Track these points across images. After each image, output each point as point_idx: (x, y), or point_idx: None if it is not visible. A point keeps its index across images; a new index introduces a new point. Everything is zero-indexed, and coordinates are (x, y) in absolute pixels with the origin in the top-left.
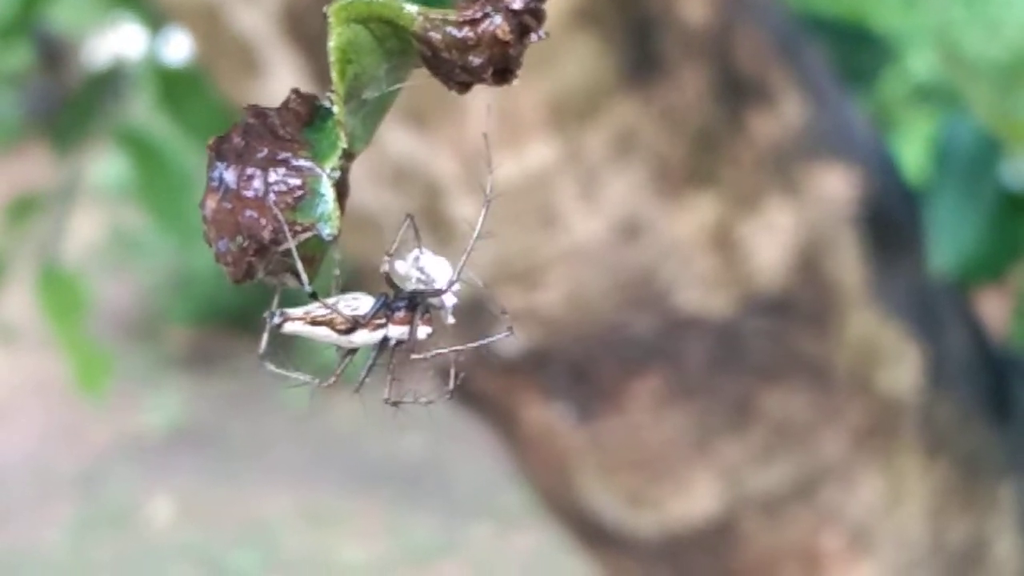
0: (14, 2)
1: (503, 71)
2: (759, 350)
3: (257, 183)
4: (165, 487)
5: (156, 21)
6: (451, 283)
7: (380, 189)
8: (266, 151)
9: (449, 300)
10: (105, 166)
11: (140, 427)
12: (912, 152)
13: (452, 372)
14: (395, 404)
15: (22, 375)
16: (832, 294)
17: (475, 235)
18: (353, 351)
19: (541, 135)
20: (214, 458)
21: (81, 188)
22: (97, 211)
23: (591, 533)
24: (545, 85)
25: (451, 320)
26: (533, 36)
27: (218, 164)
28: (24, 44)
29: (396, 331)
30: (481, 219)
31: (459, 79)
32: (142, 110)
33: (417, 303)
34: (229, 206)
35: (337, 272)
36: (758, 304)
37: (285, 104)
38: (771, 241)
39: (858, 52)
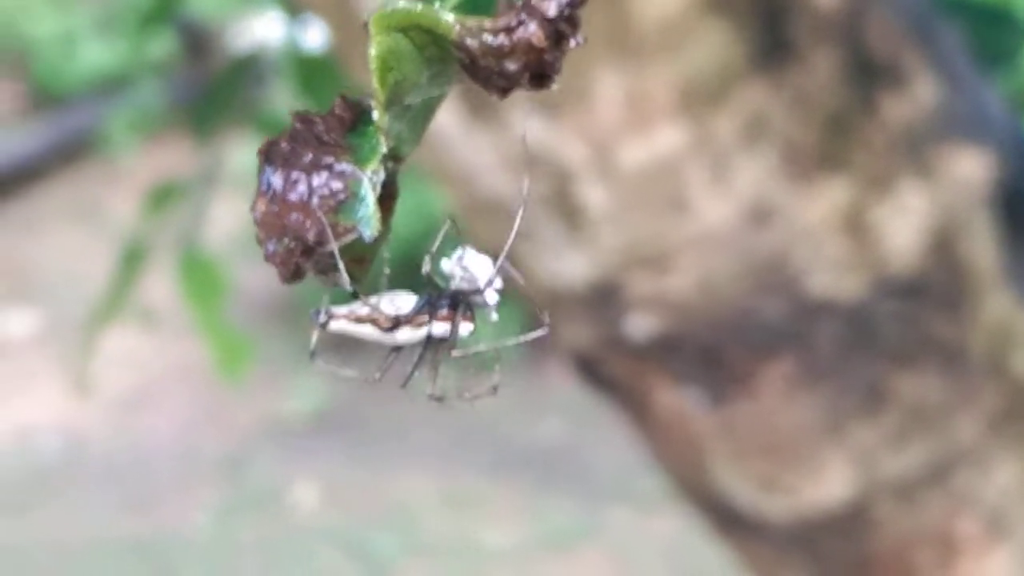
0: None
1: (540, 76)
2: (892, 334)
3: (302, 187)
4: (308, 471)
5: (295, 7)
6: (490, 281)
7: (511, 176)
8: (311, 156)
9: (491, 297)
10: (247, 154)
11: (284, 412)
12: None
13: (496, 367)
14: (439, 399)
15: (167, 360)
16: (966, 277)
17: (512, 234)
18: (399, 348)
19: (671, 120)
20: (356, 443)
21: (223, 175)
22: (239, 199)
23: (724, 518)
24: (675, 69)
25: (495, 317)
26: (571, 42)
27: (267, 168)
28: (167, 33)
29: (439, 328)
30: (518, 219)
31: (497, 85)
32: (283, 97)
33: (459, 301)
34: (276, 209)
35: (387, 271)
36: (891, 287)
37: (331, 110)
38: (904, 224)
39: (996, 33)
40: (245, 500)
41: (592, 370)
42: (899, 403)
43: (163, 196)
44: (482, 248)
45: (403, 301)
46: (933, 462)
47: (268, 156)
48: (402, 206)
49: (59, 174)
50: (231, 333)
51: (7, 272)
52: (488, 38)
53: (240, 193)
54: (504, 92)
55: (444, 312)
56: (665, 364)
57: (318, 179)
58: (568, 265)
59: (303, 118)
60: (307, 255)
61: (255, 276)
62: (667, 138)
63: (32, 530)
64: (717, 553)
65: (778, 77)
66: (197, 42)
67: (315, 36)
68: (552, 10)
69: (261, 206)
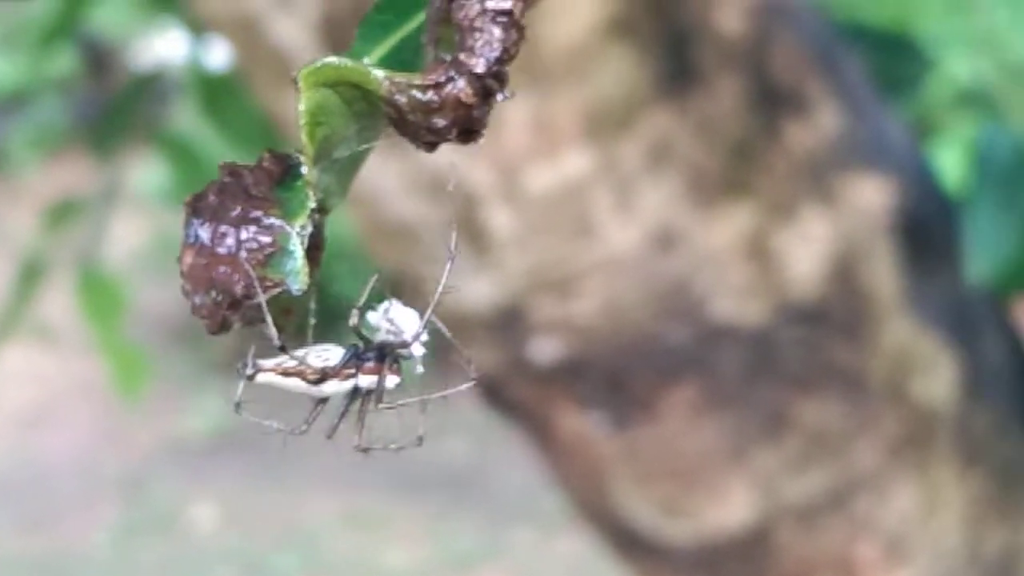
0: (57, 5)
1: (468, 131)
2: (794, 359)
3: (230, 240)
4: (209, 491)
5: (199, 26)
6: (417, 335)
7: (417, 200)
8: (239, 209)
9: (418, 351)
10: (149, 171)
11: (184, 431)
12: (953, 157)
13: (421, 420)
14: (365, 451)
15: (67, 378)
16: (867, 303)
17: (439, 289)
18: (325, 400)
19: (577, 145)
20: (257, 462)
21: (123, 193)
22: (141, 217)
23: (627, 541)
24: (581, 95)
25: (420, 370)
26: (498, 97)
27: (194, 221)
28: (69, 49)
29: (366, 380)
30: (446, 273)
31: (425, 139)
32: (185, 116)
33: (386, 354)
34: (204, 262)
35: (313, 321)
36: (793, 313)
37: (259, 163)
38: (806, 251)
39: (898, 60)
40: (144, 520)
41: (496, 393)
42: (801, 428)
43: (63, 213)
44: (393, 278)
45: (330, 354)
46: (834, 487)
47: (195, 209)
48: None
49: None
50: (130, 351)
51: None
52: (417, 94)
53: (141, 211)
54: (432, 147)
55: (371, 365)
56: (569, 388)
57: (246, 232)
58: (474, 288)
59: (232, 170)
60: (234, 308)
61: (155, 294)
62: (573, 163)
63: None
64: (620, 575)
65: (683, 103)
66: (99, 59)
67: (218, 55)
68: (481, 67)
69: (188, 259)
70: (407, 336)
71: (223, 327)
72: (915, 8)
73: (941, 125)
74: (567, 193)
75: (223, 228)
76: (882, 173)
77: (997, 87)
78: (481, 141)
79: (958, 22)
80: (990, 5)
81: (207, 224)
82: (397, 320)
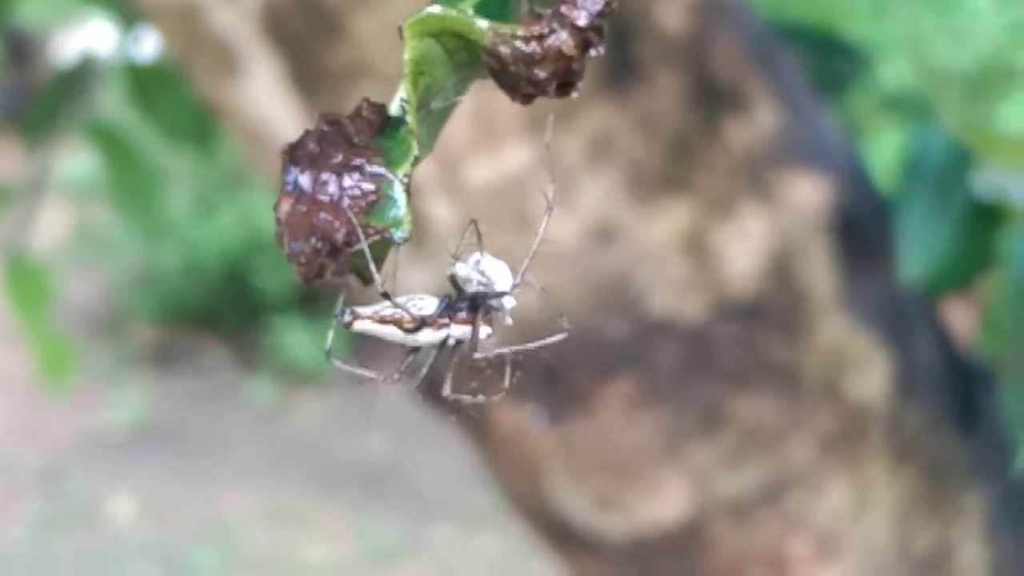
0: None
1: (566, 84)
2: (730, 355)
3: (332, 187)
4: (127, 485)
5: (126, 17)
6: (513, 286)
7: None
8: (341, 157)
9: (509, 303)
10: (74, 161)
11: (103, 424)
12: (881, 161)
13: (508, 371)
14: (455, 400)
15: None
16: (803, 301)
17: (537, 241)
18: (416, 349)
19: (517, 139)
20: (177, 456)
21: (49, 183)
22: (65, 207)
23: (560, 535)
24: None
25: (509, 321)
26: (593, 51)
27: (293, 168)
28: None
29: (458, 331)
30: (543, 226)
31: (524, 91)
32: (112, 106)
33: (478, 305)
34: (304, 209)
35: (396, 272)
36: (730, 310)
37: (358, 112)
38: (743, 247)
39: (831, 61)
40: (63, 513)
41: (429, 386)
42: (735, 424)
43: None
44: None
45: (424, 303)
46: (767, 483)
47: (293, 156)
48: (227, 219)
49: None
50: (57, 341)
51: None
52: (520, 45)
53: (67, 200)
54: (529, 99)
55: (463, 315)
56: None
57: (349, 180)
58: (413, 280)
59: (331, 119)
60: (334, 255)
61: (76, 286)
62: (513, 156)
63: None
64: (541, 570)
65: (623, 98)
66: (21, 49)
67: (146, 46)
68: (583, 19)
69: (286, 206)
70: (498, 287)
71: (319, 274)
72: (840, 12)
73: (869, 129)
74: (507, 186)
75: (324, 175)
76: (819, 171)
77: (927, 91)
78: (575, 95)
79: (883, 28)
80: (915, 12)
81: (307, 171)
82: (488, 272)
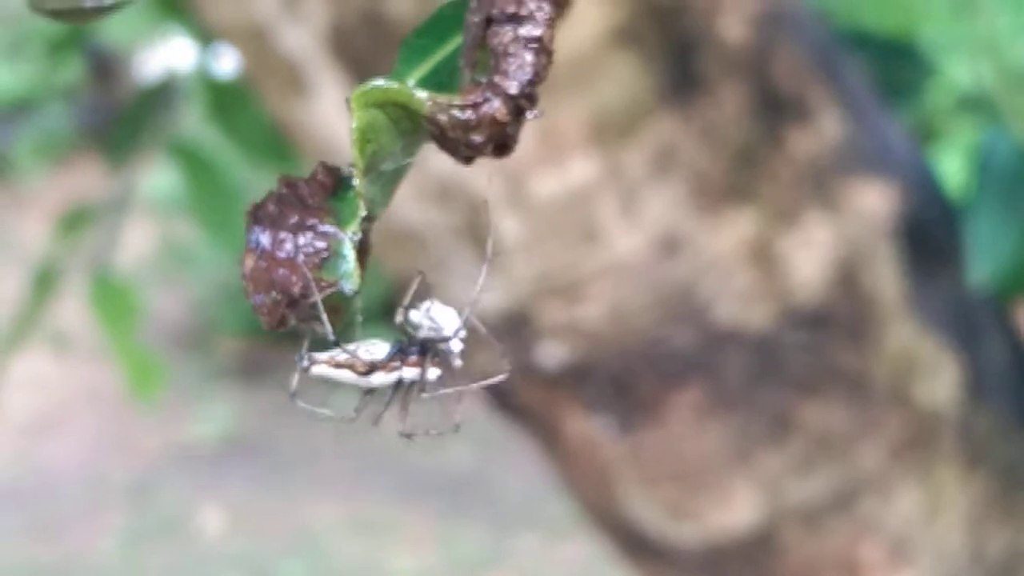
0: None
1: (502, 146)
2: (798, 363)
3: (288, 245)
4: (215, 497)
5: (206, 35)
6: (457, 331)
7: (425, 206)
8: (296, 217)
9: (456, 346)
10: (157, 179)
11: (191, 437)
12: (955, 163)
13: (456, 408)
14: (408, 436)
15: (75, 385)
16: (870, 307)
17: (478, 289)
18: (372, 390)
19: (582, 152)
20: (264, 468)
21: (133, 200)
22: (149, 223)
23: (633, 544)
24: (586, 103)
25: (458, 363)
26: (529, 115)
27: (255, 228)
28: (75, 58)
29: (409, 373)
30: (483, 276)
31: (464, 154)
32: (193, 123)
33: (427, 348)
34: (264, 265)
35: (360, 318)
36: (797, 318)
37: (313, 176)
38: (809, 256)
39: (900, 67)
40: (151, 526)
41: (504, 398)
42: (805, 431)
43: (76, 220)
44: (403, 283)
45: (377, 348)
46: (838, 489)
47: (256, 217)
48: None
49: None
50: (144, 356)
51: None
52: (456, 113)
53: (151, 217)
54: (469, 160)
55: (414, 358)
56: (575, 392)
57: (304, 238)
58: (481, 294)
59: (288, 182)
60: (292, 306)
61: (163, 301)
62: (578, 170)
63: None
64: None
65: (687, 110)
66: (105, 67)
67: (226, 63)
68: (514, 88)
69: (250, 262)
70: (447, 332)
71: (281, 323)
72: (918, 14)
73: (943, 130)
74: (573, 200)
75: (282, 235)
76: (885, 178)
77: (998, 93)
78: (513, 155)
79: (960, 28)
80: (992, 11)
81: (267, 231)
82: (437, 318)
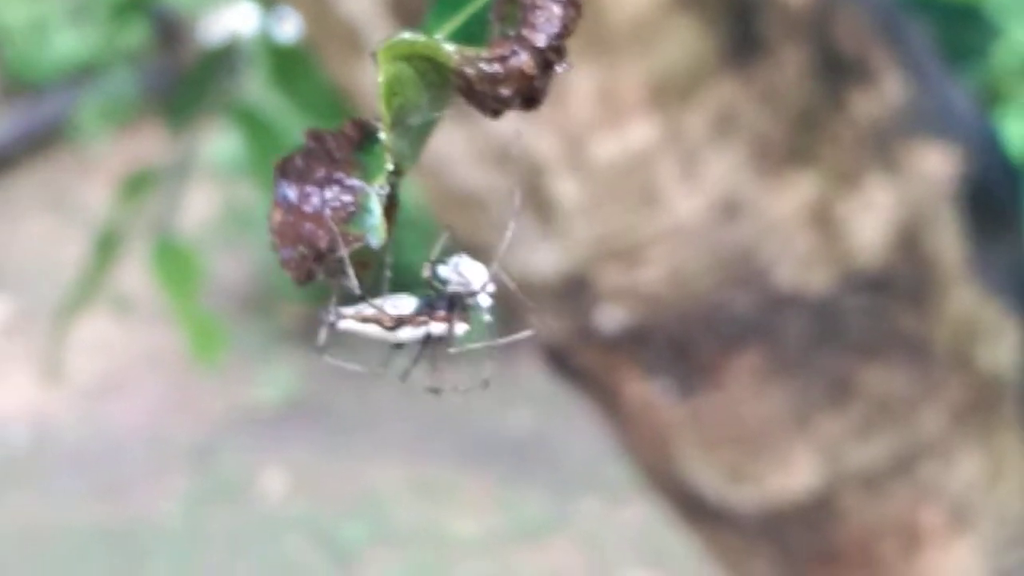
0: None
1: (530, 99)
2: (859, 327)
3: (315, 199)
4: (278, 460)
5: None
6: (484, 285)
7: (485, 169)
8: (323, 171)
9: (484, 300)
10: (219, 143)
11: (253, 400)
12: (1019, 126)
13: (488, 364)
14: (435, 391)
15: (137, 347)
16: (932, 271)
17: (505, 243)
18: (400, 345)
19: (642, 115)
20: (326, 431)
21: (195, 164)
22: (211, 188)
23: (692, 508)
24: (646, 65)
25: (488, 318)
26: (557, 68)
27: (282, 182)
28: (140, 22)
29: (437, 328)
30: (509, 230)
31: (491, 107)
32: (256, 87)
33: (455, 303)
34: (291, 219)
35: (388, 274)
36: (858, 281)
37: (340, 129)
38: (871, 219)
39: (965, 29)
40: (214, 488)
41: (562, 361)
42: (865, 395)
43: (138, 183)
44: (462, 243)
45: (404, 303)
46: (898, 453)
47: (283, 171)
48: None
49: (30, 163)
50: (206, 319)
51: None
52: (483, 66)
53: (213, 181)
54: (496, 114)
55: (442, 313)
56: (635, 356)
57: (330, 192)
58: (540, 257)
59: (315, 135)
60: (319, 261)
61: (226, 264)
62: (638, 133)
63: (1, 518)
64: (687, 542)
65: (748, 73)
66: (169, 31)
67: (289, 27)
68: (541, 41)
69: (277, 216)
70: (475, 287)
71: (308, 278)
72: None
73: (1007, 93)
74: (632, 163)
75: (309, 188)
76: (947, 141)
77: None
78: (541, 108)
79: None
80: None
81: (294, 185)
82: (466, 272)
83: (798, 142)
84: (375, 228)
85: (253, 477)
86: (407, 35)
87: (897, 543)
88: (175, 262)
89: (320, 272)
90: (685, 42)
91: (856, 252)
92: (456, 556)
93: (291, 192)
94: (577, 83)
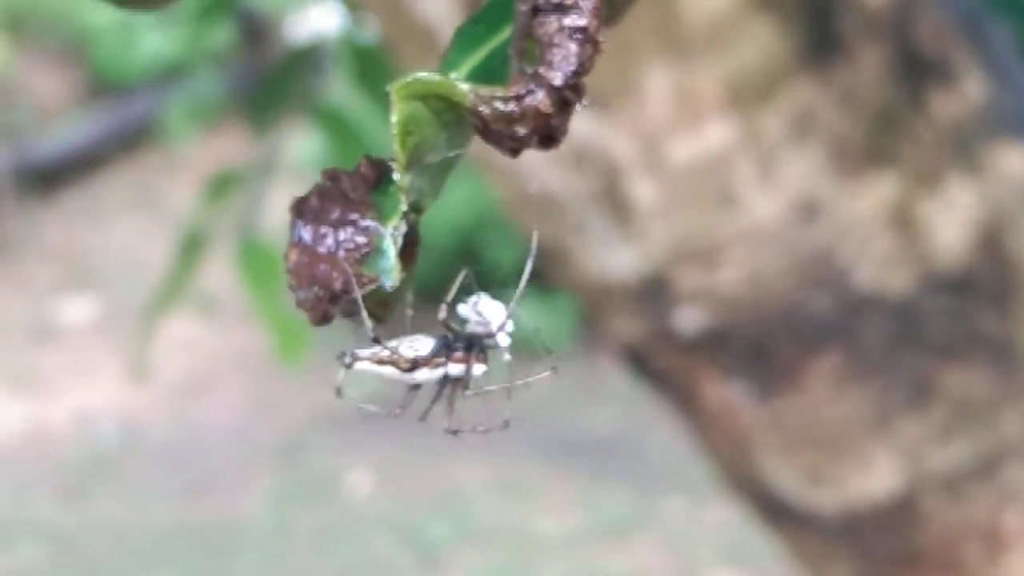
0: None
1: (548, 138)
2: (939, 328)
3: (329, 240)
4: (363, 459)
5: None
6: (502, 325)
7: (562, 171)
8: (338, 212)
9: (503, 340)
10: (303, 143)
11: (338, 400)
12: None
13: (507, 405)
14: (454, 433)
15: (223, 347)
16: (1014, 272)
17: (523, 283)
18: (417, 386)
19: (720, 116)
20: (410, 430)
21: (279, 164)
22: (295, 187)
23: (772, 509)
24: (724, 66)
25: (507, 357)
26: (576, 107)
27: (298, 222)
28: (226, 22)
29: (455, 369)
30: (528, 268)
31: (508, 146)
32: (339, 88)
33: (474, 344)
34: (306, 260)
35: (410, 312)
36: (938, 282)
37: (356, 169)
38: (952, 219)
39: None
40: (300, 486)
41: (642, 363)
42: (946, 397)
43: (223, 184)
44: (540, 246)
45: (421, 344)
46: (980, 456)
47: (299, 211)
48: (459, 196)
49: (118, 163)
50: (290, 320)
51: (67, 260)
52: (499, 105)
53: (298, 181)
54: (515, 152)
55: (459, 354)
56: (714, 357)
57: (344, 233)
58: (618, 259)
59: (332, 175)
60: (334, 302)
61: None
62: (716, 134)
63: (90, 515)
64: (772, 542)
65: (826, 73)
66: (255, 32)
67: (372, 27)
68: (558, 80)
69: (293, 256)
70: (494, 327)
71: (324, 319)
72: None
73: None
74: (710, 164)
75: (323, 229)
76: None
77: None
78: (560, 148)
79: None
80: None
81: (309, 225)
82: (485, 312)
83: (877, 143)
84: (389, 269)
85: (338, 476)
86: (422, 74)
87: (979, 547)
88: (259, 262)
89: (336, 313)
90: (763, 42)
91: (937, 253)
92: (540, 555)
93: (306, 233)
94: (654, 83)
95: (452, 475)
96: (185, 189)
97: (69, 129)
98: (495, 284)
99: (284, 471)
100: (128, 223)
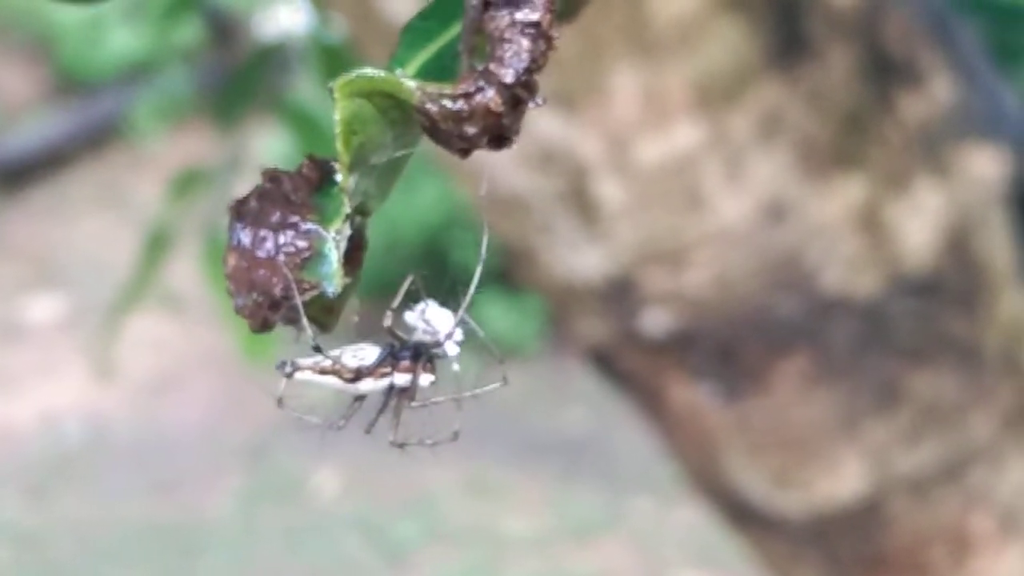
0: None
1: (499, 138)
2: (907, 331)
3: (269, 244)
4: (331, 458)
5: None
6: (450, 334)
7: (529, 172)
8: (278, 214)
9: (451, 349)
10: (270, 141)
11: (306, 399)
12: None
13: (457, 416)
14: (400, 446)
15: (191, 346)
16: (981, 275)
17: (472, 289)
18: (361, 396)
19: (687, 117)
20: (379, 431)
21: (246, 162)
22: None
23: (739, 512)
24: (691, 66)
25: (456, 367)
26: (530, 104)
27: (236, 225)
28: (194, 20)
29: (401, 379)
30: (477, 275)
31: (458, 146)
32: (307, 85)
33: (421, 352)
34: (245, 265)
35: (356, 318)
36: (906, 285)
37: (298, 170)
38: (919, 222)
39: (1016, 30)
40: (268, 486)
41: (609, 364)
42: (914, 400)
43: (188, 182)
44: (507, 247)
45: (366, 353)
46: (947, 459)
47: (237, 213)
48: (427, 195)
49: (84, 160)
50: None
51: (32, 258)
52: (447, 103)
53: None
54: (465, 153)
55: (406, 363)
56: (681, 359)
57: (284, 237)
58: (584, 260)
59: (272, 176)
60: (274, 309)
61: None
62: (683, 135)
63: (56, 513)
64: (739, 544)
65: (794, 74)
66: (223, 29)
67: (340, 25)
68: (509, 77)
69: (231, 261)
70: (441, 336)
71: (264, 326)
72: None
73: None
74: (677, 165)
75: (263, 232)
76: (996, 143)
77: None
78: (512, 148)
79: None
80: None
81: (248, 228)
82: (433, 320)
83: (845, 144)
84: (331, 275)
85: (306, 475)
86: (367, 70)
87: (946, 549)
88: None
89: (277, 320)
90: (730, 43)
91: (904, 255)
92: (508, 555)
93: (245, 236)
94: (622, 84)
95: (420, 475)
96: (153, 187)
97: (36, 126)
98: (463, 283)
99: (252, 470)
100: (95, 221)
